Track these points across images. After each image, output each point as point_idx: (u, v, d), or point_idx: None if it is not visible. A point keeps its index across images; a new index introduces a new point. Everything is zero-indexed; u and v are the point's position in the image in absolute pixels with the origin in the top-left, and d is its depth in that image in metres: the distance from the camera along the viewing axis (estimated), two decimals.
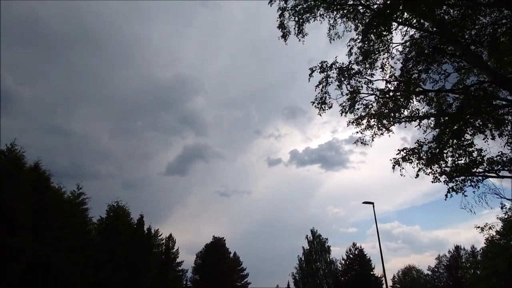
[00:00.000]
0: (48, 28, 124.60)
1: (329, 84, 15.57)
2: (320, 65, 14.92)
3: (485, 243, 59.77)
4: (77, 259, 23.18)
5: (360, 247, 54.30)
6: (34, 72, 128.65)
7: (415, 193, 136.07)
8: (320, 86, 15.48)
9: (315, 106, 15.69)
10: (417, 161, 13.21)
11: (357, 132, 16.77)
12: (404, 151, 13.15)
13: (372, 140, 16.36)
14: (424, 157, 12.92)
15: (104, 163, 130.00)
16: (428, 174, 13.97)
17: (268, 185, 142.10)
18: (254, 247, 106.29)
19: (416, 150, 12.91)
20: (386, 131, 16.16)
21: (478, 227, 29.44)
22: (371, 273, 52.48)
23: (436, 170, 13.60)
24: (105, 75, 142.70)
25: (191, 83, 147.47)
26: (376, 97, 15.61)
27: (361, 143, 16.39)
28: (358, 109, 15.96)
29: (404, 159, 13.13)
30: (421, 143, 12.93)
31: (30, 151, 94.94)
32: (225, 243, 66.38)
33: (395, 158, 13.40)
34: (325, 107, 15.80)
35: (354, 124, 16.99)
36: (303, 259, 58.29)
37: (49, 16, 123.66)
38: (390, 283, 74.61)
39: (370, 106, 15.90)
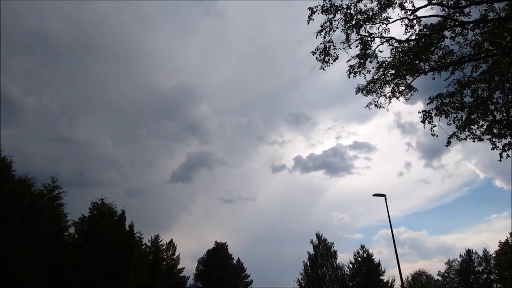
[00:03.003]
0: (54, 39, 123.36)
1: (334, 30, 12.06)
2: (321, 3, 11.38)
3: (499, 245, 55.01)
4: (48, 260, 19.52)
5: (368, 250, 49.71)
6: (40, 82, 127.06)
7: (421, 198, 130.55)
8: (323, 32, 11.96)
9: (316, 58, 12.06)
10: (455, 114, 9.51)
11: (369, 92, 13.22)
12: (439, 98, 9.38)
13: (389, 101, 12.69)
14: (466, 108, 9.19)
15: (108, 171, 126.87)
16: (465, 139, 10.25)
17: (273, 191, 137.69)
18: (258, 254, 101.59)
19: (456, 96, 9.13)
20: (407, 91, 12.55)
21: None
22: (380, 278, 47.88)
23: (475, 132, 9.89)
24: (109, 84, 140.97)
25: (195, 91, 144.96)
26: (393, 48, 12.07)
27: (375, 106, 12.72)
28: (370, 62, 12.42)
29: (438, 110, 9.38)
30: (464, 82, 9.14)
31: (35, 160, 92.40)
32: (228, 248, 62.18)
33: (424, 111, 9.69)
34: (329, 59, 12.22)
35: (365, 92, 13.44)
36: (308, 264, 53.80)
37: (55, 27, 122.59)
38: None
39: (385, 62, 12.37)
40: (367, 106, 12.89)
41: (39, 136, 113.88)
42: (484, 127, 9.48)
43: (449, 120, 9.60)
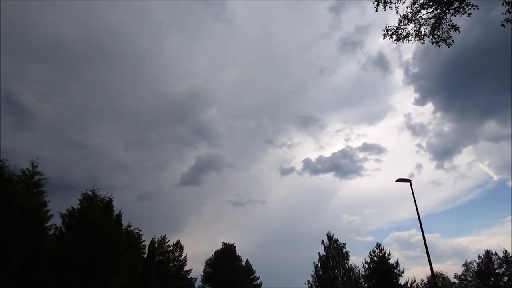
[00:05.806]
0: (67, 47, 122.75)
1: None
2: None
3: None
4: (24, 257, 16.36)
5: (384, 250, 45.10)
6: (54, 89, 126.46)
7: (433, 200, 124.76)
8: None
9: None
10: None
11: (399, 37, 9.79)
12: None
13: (434, 32, 9.20)
14: None
15: (119, 175, 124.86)
16: None
17: (282, 194, 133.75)
18: (268, 256, 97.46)
19: None
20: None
21: None
22: (398, 279, 43.32)
23: None
24: (120, 90, 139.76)
25: (204, 95, 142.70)
26: None
27: (416, 36, 9.25)
28: None
29: None
30: None
31: (49, 164, 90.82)
32: (236, 249, 58.53)
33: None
34: None
35: (395, 36, 10.00)
36: (319, 266, 49.64)
37: (69, 35, 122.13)
38: None
39: None
40: (402, 40, 9.40)
41: (52, 141, 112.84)
42: None
43: None
